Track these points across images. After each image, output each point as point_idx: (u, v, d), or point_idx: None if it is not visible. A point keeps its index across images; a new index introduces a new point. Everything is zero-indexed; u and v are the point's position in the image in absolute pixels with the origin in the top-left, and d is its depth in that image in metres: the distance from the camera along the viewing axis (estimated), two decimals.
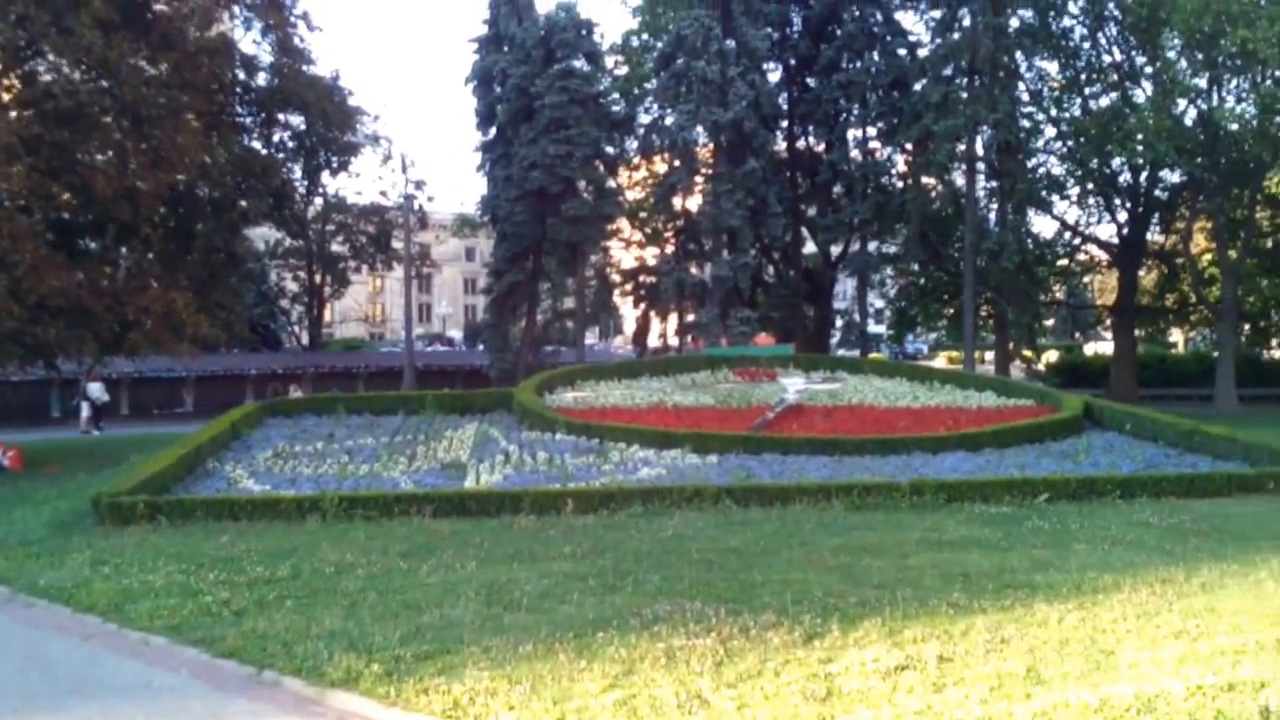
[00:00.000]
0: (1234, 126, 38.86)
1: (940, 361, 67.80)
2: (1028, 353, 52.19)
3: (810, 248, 51.15)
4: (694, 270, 44.42)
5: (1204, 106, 40.58)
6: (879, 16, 45.72)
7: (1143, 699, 7.54)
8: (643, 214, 50.99)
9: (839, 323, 52.00)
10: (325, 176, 49.44)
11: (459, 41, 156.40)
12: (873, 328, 54.43)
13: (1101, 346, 67.20)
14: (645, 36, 50.49)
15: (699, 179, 44.16)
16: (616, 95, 48.67)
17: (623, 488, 17.08)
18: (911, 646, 8.96)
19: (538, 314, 48.79)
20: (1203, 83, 40.64)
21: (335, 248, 57.31)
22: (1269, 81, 37.83)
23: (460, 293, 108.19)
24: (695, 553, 12.94)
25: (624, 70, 51.13)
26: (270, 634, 9.76)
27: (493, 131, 46.09)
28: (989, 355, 51.11)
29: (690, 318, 44.85)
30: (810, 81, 46.82)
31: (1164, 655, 8.62)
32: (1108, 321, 57.78)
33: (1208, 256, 51.39)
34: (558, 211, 42.02)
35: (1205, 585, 11.14)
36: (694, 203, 44.71)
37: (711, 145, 43.14)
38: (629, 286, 50.54)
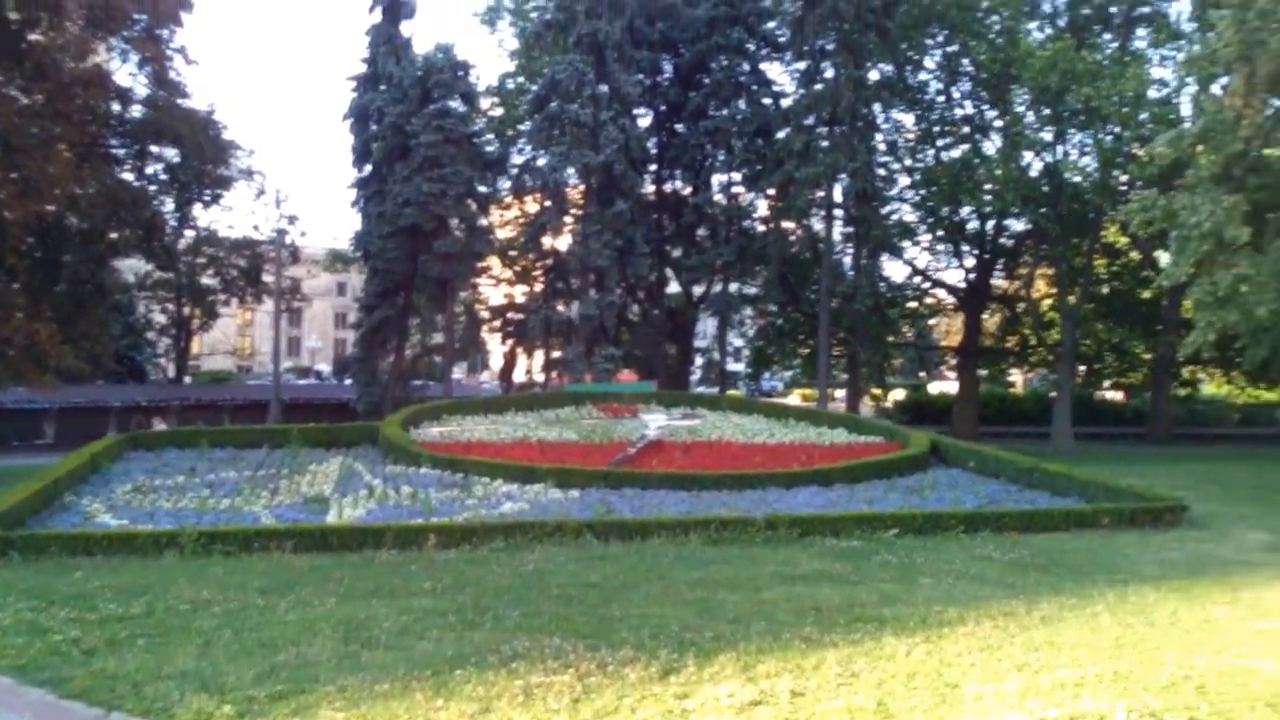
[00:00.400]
0: (1076, 178, 40.42)
1: (794, 398, 68.62)
2: (876, 391, 53.22)
3: (674, 287, 51.47)
4: (561, 308, 44.29)
5: (1049, 159, 42.14)
6: (746, 67, 46.37)
7: None
8: (513, 252, 50.77)
9: (699, 360, 52.36)
10: (197, 209, 48.25)
11: (336, 79, 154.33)
12: (731, 365, 54.91)
13: (945, 385, 68.80)
14: (521, 79, 50.45)
15: (569, 219, 44.14)
16: (491, 136, 48.47)
17: (485, 522, 16.79)
18: (765, 681, 8.91)
19: (406, 349, 48.06)
20: (1048, 136, 42.15)
21: (206, 280, 55.70)
22: (1109, 137, 39.37)
23: (331, 327, 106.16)
24: (555, 588, 12.76)
25: (499, 112, 50.99)
26: (120, 674, 9.27)
27: (368, 168, 45.43)
28: (839, 393, 51.95)
29: (556, 354, 44.67)
30: (679, 127, 47.23)
31: (1008, 688, 8.70)
32: (952, 361, 59.24)
33: (1048, 301, 53.18)
34: (430, 248, 41.55)
35: (1045, 618, 11.34)
36: (563, 242, 44.64)
37: (582, 186, 43.17)
38: (497, 323, 50.22)
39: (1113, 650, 10.01)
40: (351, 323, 59.27)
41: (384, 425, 26.61)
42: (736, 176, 47.51)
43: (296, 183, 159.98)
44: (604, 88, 42.00)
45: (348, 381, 51.49)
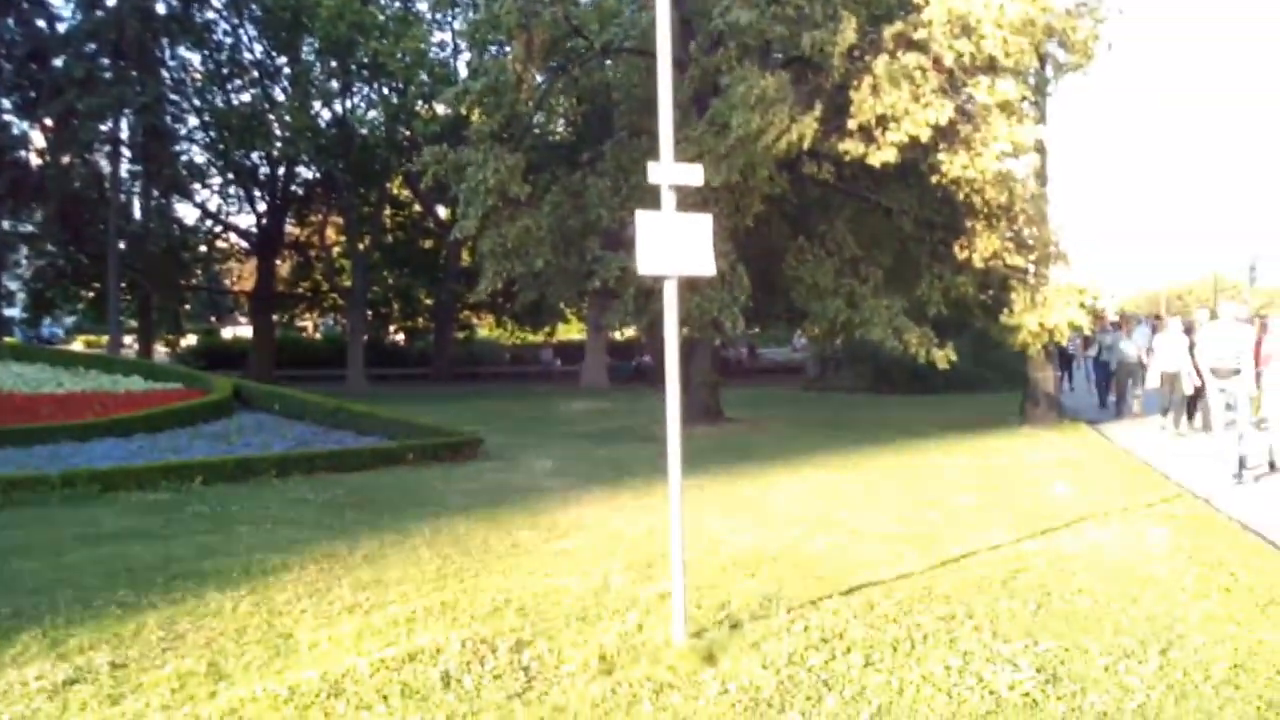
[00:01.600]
0: (365, 131, 40.96)
1: (79, 345, 62.99)
2: (170, 336, 50.72)
3: None
4: None
5: (340, 110, 42.18)
6: None
7: (329, 680, 7.15)
8: None
9: None
10: None
11: None
12: (5, 310, 49.01)
13: (239, 330, 67.14)
14: None
15: None
16: None
17: None
18: (79, 656, 7.74)
19: None
20: (337, 87, 42.20)
21: None
22: (394, 93, 40.32)
23: None
24: None
25: None
26: None
27: None
28: (128, 339, 48.55)
29: None
30: None
31: (341, 632, 8.35)
32: (246, 307, 57.88)
33: (339, 248, 53.74)
34: None
35: (368, 557, 11.13)
36: None
37: None
38: None
39: (436, 582, 10.06)
40: None
41: None
42: (7, 104, 42.09)
43: None
44: None
45: None
